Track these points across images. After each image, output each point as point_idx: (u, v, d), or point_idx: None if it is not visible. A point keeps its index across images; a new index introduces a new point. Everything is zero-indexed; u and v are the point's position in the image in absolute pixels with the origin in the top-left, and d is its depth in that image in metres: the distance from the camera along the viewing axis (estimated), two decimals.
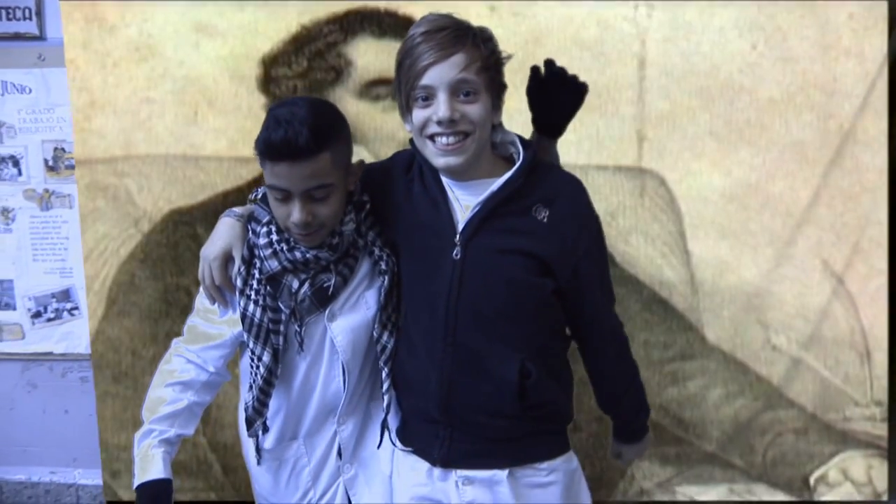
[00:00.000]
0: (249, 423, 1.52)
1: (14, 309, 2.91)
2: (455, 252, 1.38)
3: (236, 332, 1.49)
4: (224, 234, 1.47)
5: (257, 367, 1.45)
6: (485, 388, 1.40)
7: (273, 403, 1.53)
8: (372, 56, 2.89)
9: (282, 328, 1.44)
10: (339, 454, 1.57)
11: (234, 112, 2.90)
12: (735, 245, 2.96)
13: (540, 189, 1.40)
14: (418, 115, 1.35)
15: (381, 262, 1.49)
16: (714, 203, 2.93)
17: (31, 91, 2.80)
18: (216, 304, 1.50)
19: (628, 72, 2.86)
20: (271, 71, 2.93)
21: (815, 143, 2.91)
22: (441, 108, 1.31)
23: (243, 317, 1.43)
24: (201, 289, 1.53)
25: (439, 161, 1.36)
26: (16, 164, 2.84)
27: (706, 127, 2.90)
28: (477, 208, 1.38)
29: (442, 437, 1.45)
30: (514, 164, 1.41)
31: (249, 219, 1.48)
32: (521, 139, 1.45)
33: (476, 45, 1.32)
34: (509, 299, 1.38)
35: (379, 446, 1.60)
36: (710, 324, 3.00)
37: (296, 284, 1.44)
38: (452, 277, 1.38)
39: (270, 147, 1.31)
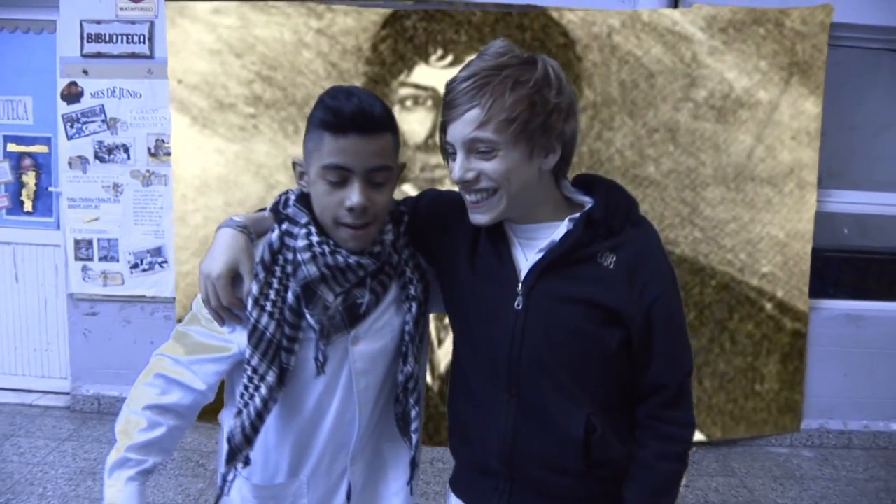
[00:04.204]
0: (232, 455, 1.26)
1: (117, 261, 3.73)
2: (517, 302, 1.24)
3: (242, 348, 1.25)
4: (228, 248, 1.26)
5: (256, 388, 1.23)
6: (549, 442, 1.25)
7: (275, 434, 1.32)
8: None
9: (297, 347, 1.24)
10: (348, 496, 1.39)
11: None
12: None
13: (607, 236, 1.24)
14: (450, 166, 1.24)
15: (410, 286, 1.33)
16: None
17: (140, 96, 3.62)
18: (224, 325, 1.27)
19: None
20: None
21: None
22: (455, 168, 1.20)
23: (253, 329, 1.22)
24: (199, 298, 1.30)
25: (470, 217, 1.25)
26: (126, 150, 3.66)
27: None
28: (539, 256, 1.24)
29: (501, 490, 1.31)
30: (583, 206, 1.27)
31: (283, 220, 1.27)
32: (593, 192, 1.29)
33: (500, 93, 1.14)
34: (573, 350, 1.23)
35: (409, 484, 1.44)
36: None
37: (331, 298, 1.24)
38: (515, 327, 1.24)
39: (341, 117, 1.15)
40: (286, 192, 1.33)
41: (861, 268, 3.92)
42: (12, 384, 4.01)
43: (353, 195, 1.18)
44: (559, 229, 1.24)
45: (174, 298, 3.64)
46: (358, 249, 1.24)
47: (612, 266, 1.23)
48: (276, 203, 1.33)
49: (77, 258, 3.73)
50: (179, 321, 3.50)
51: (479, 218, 1.23)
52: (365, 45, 3.51)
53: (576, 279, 1.23)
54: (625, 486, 1.29)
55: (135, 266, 3.73)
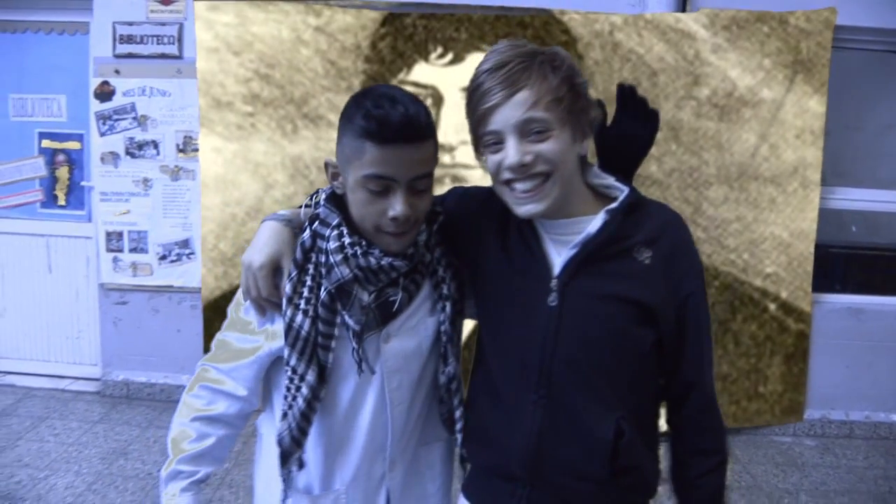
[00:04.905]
0: (285, 458, 1.26)
1: (146, 252, 3.90)
2: (551, 298, 1.21)
3: (275, 348, 1.26)
4: (270, 240, 1.26)
5: (298, 389, 1.22)
6: (576, 446, 1.22)
7: (311, 437, 1.28)
8: None
9: (333, 344, 1.23)
10: (388, 502, 1.37)
11: None
12: None
13: (641, 228, 1.22)
14: (491, 161, 1.19)
15: (443, 285, 1.31)
16: None
17: (170, 95, 3.77)
18: (255, 315, 1.28)
19: None
20: None
21: None
22: (510, 153, 1.15)
23: (288, 328, 1.21)
24: (236, 299, 1.33)
25: (519, 209, 1.20)
26: (155, 146, 3.82)
27: None
28: (574, 251, 1.20)
29: (519, 496, 1.27)
30: (610, 199, 1.25)
31: (313, 220, 1.25)
32: (620, 179, 1.27)
33: (543, 75, 1.14)
34: (609, 351, 1.21)
35: (463, 485, 1.41)
36: None
37: (365, 297, 1.23)
38: (548, 325, 1.21)
39: (387, 127, 1.11)
40: (317, 192, 1.32)
41: (863, 263, 4.01)
42: (45, 370, 4.19)
43: (397, 205, 1.16)
44: (595, 221, 1.21)
45: (201, 288, 3.80)
46: (399, 252, 1.22)
47: (647, 261, 1.21)
48: (309, 203, 1.32)
49: (108, 249, 3.91)
50: (205, 307, 3.75)
51: (533, 208, 1.19)
52: (364, 43, 3.52)
53: (612, 275, 1.20)
54: (681, 500, 1.31)
55: (163, 257, 3.89)
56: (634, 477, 1.25)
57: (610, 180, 1.27)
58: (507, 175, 1.17)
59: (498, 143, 1.17)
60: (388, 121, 1.11)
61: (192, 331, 3.86)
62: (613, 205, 1.21)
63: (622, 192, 1.24)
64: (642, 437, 1.25)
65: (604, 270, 1.20)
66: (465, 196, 1.41)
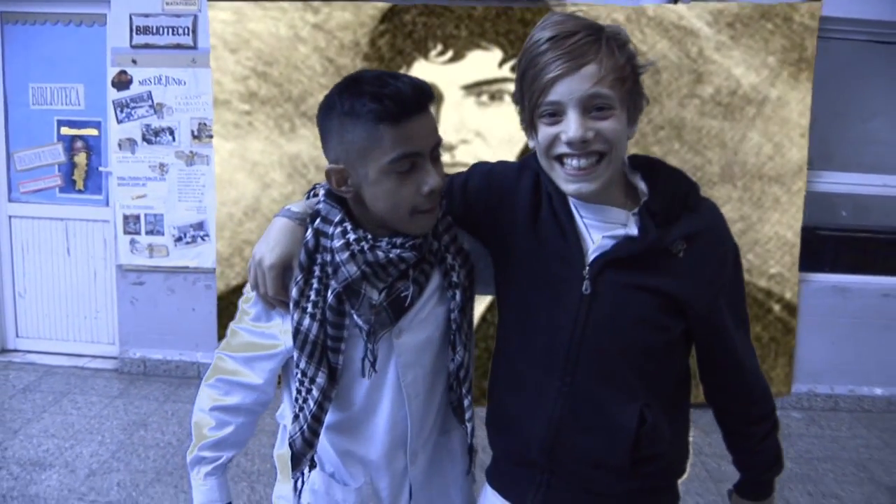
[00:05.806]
0: (297, 460, 1.25)
1: (163, 235, 4.06)
2: (585, 286, 1.18)
3: (290, 346, 1.23)
4: (283, 238, 1.22)
5: (308, 391, 1.21)
6: (596, 435, 1.21)
7: (327, 436, 1.29)
8: None
9: (343, 346, 1.20)
10: (411, 493, 1.36)
11: None
12: None
13: (679, 224, 1.19)
14: (545, 132, 1.14)
15: (452, 272, 1.26)
16: None
17: (185, 83, 3.93)
18: (261, 310, 1.26)
19: None
20: None
21: None
22: (572, 126, 1.10)
23: (296, 332, 1.19)
24: (245, 291, 1.29)
25: (569, 187, 1.16)
26: (171, 133, 3.98)
27: None
28: (609, 245, 1.18)
29: (538, 482, 1.26)
30: (638, 192, 1.22)
31: (315, 218, 1.21)
32: (649, 176, 1.24)
33: (611, 52, 1.10)
34: (637, 340, 1.19)
35: (468, 471, 1.43)
36: None
37: (375, 295, 1.19)
38: (579, 312, 1.18)
39: (404, 101, 1.09)
40: (314, 187, 1.30)
41: (848, 243, 4.17)
42: (65, 349, 4.38)
43: (430, 178, 1.13)
44: (631, 225, 1.18)
45: (215, 269, 3.94)
46: (429, 230, 1.20)
47: (681, 254, 1.18)
48: (307, 199, 1.28)
49: (125, 232, 4.07)
50: (220, 297, 3.91)
51: (584, 187, 1.14)
52: (363, 41, 3.49)
53: (646, 267, 1.18)
54: (743, 473, 1.37)
55: (178, 239, 4.06)
56: (655, 465, 1.24)
57: (634, 177, 1.25)
58: (562, 149, 1.13)
59: (555, 114, 1.12)
60: (403, 95, 1.09)
61: (206, 310, 4.02)
62: (637, 209, 1.20)
63: (644, 194, 1.21)
64: (668, 423, 1.24)
65: (637, 262, 1.18)
66: (492, 173, 1.35)
